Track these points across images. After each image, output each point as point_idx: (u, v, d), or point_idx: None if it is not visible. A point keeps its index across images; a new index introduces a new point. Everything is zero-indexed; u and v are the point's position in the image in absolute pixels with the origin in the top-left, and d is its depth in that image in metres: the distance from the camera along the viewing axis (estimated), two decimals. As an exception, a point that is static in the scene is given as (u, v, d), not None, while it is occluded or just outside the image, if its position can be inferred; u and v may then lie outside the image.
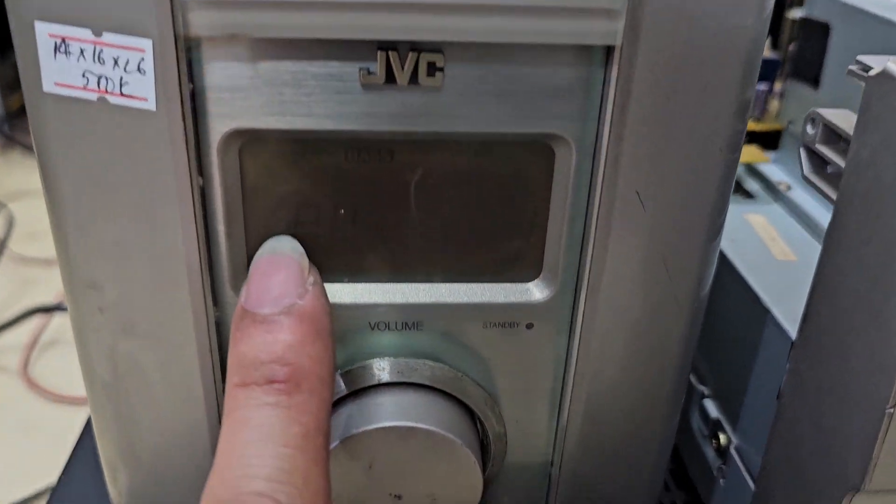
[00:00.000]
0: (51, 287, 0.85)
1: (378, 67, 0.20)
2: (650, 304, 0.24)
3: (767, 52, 0.41)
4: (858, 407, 0.22)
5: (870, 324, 0.21)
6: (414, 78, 0.20)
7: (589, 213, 0.22)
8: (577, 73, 0.20)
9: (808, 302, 0.24)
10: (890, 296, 0.20)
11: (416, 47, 0.20)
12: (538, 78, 0.20)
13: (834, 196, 0.23)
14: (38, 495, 0.65)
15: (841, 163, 0.23)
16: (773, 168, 0.37)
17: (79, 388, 0.74)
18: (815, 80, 0.36)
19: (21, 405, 0.74)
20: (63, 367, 0.78)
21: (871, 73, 0.21)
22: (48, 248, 0.94)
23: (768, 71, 0.40)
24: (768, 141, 0.39)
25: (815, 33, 0.35)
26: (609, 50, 0.20)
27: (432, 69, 0.20)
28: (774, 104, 0.41)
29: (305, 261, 0.21)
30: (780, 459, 0.26)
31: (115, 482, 0.27)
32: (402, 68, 0.20)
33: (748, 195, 0.37)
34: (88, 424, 0.39)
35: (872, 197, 0.21)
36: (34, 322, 0.82)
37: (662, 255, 0.23)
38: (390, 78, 0.20)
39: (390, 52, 0.20)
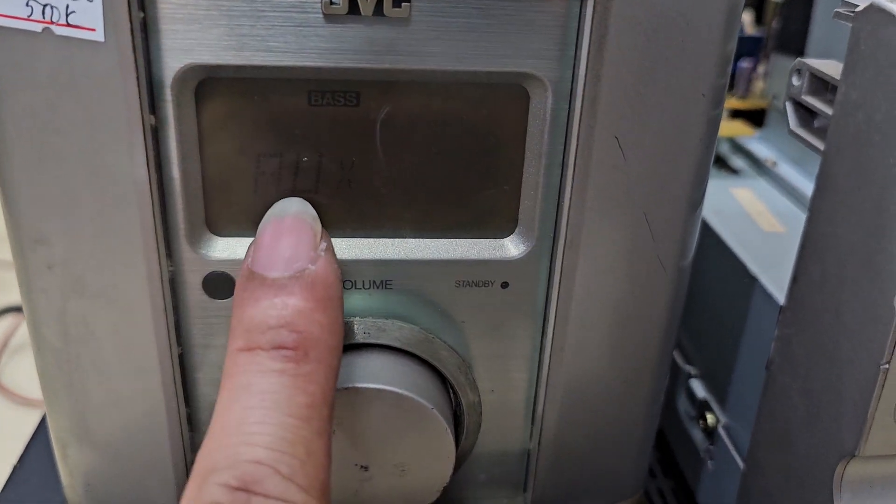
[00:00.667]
0: (24, 290, 0.83)
1: (341, -4, 0.19)
2: (633, 264, 0.22)
3: (751, 30, 0.40)
4: (851, 366, 0.21)
5: (863, 274, 0.20)
6: (379, 8, 0.19)
7: (566, 161, 0.21)
8: (553, 7, 0.19)
9: (797, 263, 0.23)
10: (884, 241, 0.19)
11: (382, -25, 0.19)
12: (512, 10, 0.19)
13: (822, 147, 0.22)
14: None
15: (829, 111, 0.22)
16: (758, 145, 0.36)
17: (50, 393, 0.72)
18: (799, 52, 0.35)
19: (-10, 409, 0.71)
20: (34, 370, 0.76)
21: (860, 7, 0.20)
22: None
23: (753, 47, 0.39)
24: (753, 119, 0.39)
25: (799, 4, 0.34)
26: (586, -20, 0.19)
27: (399, -1, 0.19)
28: (759, 84, 0.40)
29: (318, 225, 0.20)
30: (770, 433, 0.25)
31: (66, 460, 0.25)
32: (367, -2, 0.19)
33: (734, 171, 0.36)
34: (39, 425, 0.38)
35: (862, 140, 0.20)
36: (5, 323, 0.80)
37: (644, 210, 0.22)
38: (354, 7, 0.19)
39: (354, -20, 0.19)
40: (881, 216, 0.19)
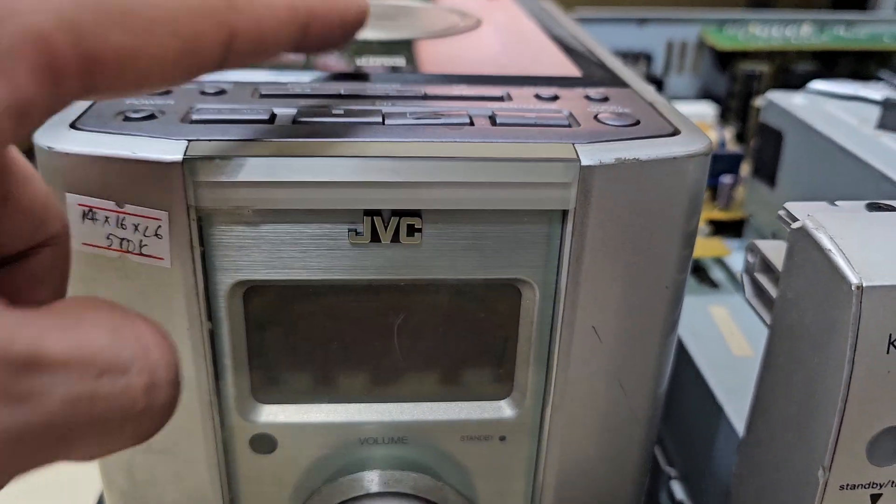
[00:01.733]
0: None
1: (364, 229, 0.23)
2: (609, 419, 0.27)
3: (733, 146, 0.44)
4: (791, 515, 0.25)
5: (797, 442, 0.24)
6: (396, 237, 0.23)
7: (552, 344, 0.25)
8: (538, 230, 0.23)
9: (750, 413, 0.27)
10: (813, 424, 0.23)
11: (398, 213, 0.23)
12: (504, 234, 0.23)
13: (770, 321, 0.26)
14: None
15: (774, 293, 0.26)
16: (736, 261, 0.40)
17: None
18: (771, 180, 0.39)
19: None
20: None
21: (794, 225, 0.24)
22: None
23: (733, 165, 0.43)
24: (734, 229, 0.43)
25: (771, 138, 0.38)
26: (564, 212, 0.23)
27: (412, 230, 0.23)
28: (741, 190, 0.44)
29: None
30: (731, 550, 0.29)
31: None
32: (386, 230, 0.23)
33: (713, 284, 0.40)
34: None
35: (796, 334, 0.24)
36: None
37: (618, 378, 0.26)
38: (375, 238, 0.23)
39: (375, 217, 0.23)
40: (811, 401, 0.23)
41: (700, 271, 0.41)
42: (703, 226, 0.41)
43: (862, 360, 0.21)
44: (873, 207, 0.25)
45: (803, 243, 0.23)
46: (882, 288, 0.21)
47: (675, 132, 0.24)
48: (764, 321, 0.27)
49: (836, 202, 0.25)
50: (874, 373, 0.22)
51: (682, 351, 0.35)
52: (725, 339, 0.35)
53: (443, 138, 0.23)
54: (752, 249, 0.27)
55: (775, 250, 0.26)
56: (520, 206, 0.23)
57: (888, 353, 0.21)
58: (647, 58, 0.53)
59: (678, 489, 0.35)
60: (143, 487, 0.27)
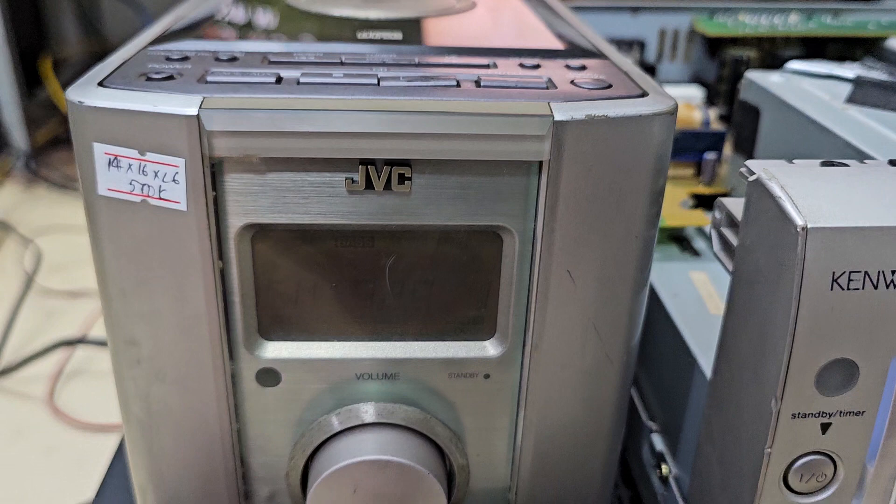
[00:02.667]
0: (75, 318, 0.91)
1: (360, 178, 0.25)
2: (585, 360, 0.29)
3: (716, 125, 0.46)
4: (747, 447, 0.27)
5: (753, 380, 0.26)
6: (388, 185, 0.25)
7: (531, 287, 0.27)
8: (517, 181, 0.26)
9: (715, 358, 0.29)
10: (766, 360, 0.25)
11: (390, 162, 0.25)
12: (487, 184, 0.26)
13: (731, 269, 0.28)
14: (62, 515, 0.70)
15: (736, 243, 0.28)
16: (716, 230, 0.42)
17: (100, 416, 0.79)
18: (750, 154, 0.41)
19: (46, 431, 0.79)
20: (85, 396, 0.84)
21: (751, 178, 0.26)
22: (73, 280, 1.00)
23: (717, 142, 0.45)
24: (717, 203, 0.45)
25: (749, 115, 0.41)
26: (540, 164, 0.25)
27: (402, 179, 0.25)
28: (725, 167, 0.47)
29: None
30: (698, 489, 0.31)
31: (145, 501, 0.32)
32: (379, 178, 0.25)
33: (696, 253, 0.42)
34: (117, 453, 0.45)
35: (753, 279, 0.26)
36: (60, 353, 0.88)
37: (592, 321, 0.28)
38: (369, 185, 0.25)
39: (369, 166, 0.25)
40: (763, 339, 0.26)
41: (683, 241, 0.43)
42: (687, 199, 0.44)
43: (808, 296, 0.24)
44: (826, 164, 0.27)
45: (758, 194, 0.26)
46: (825, 229, 0.23)
47: (644, 94, 0.27)
48: (728, 271, 0.29)
49: (794, 161, 0.27)
50: (819, 308, 0.24)
51: (661, 310, 0.37)
52: (703, 299, 0.37)
53: (431, 97, 0.25)
54: (719, 206, 0.30)
55: (738, 206, 0.29)
56: (500, 157, 0.25)
57: (832, 289, 0.24)
58: (641, 45, 0.56)
59: (658, 441, 0.37)
60: (158, 417, 0.29)
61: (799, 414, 0.25)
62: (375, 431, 0.28)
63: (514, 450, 0.31)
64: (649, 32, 0.56)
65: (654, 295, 0.38)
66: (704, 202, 0.44)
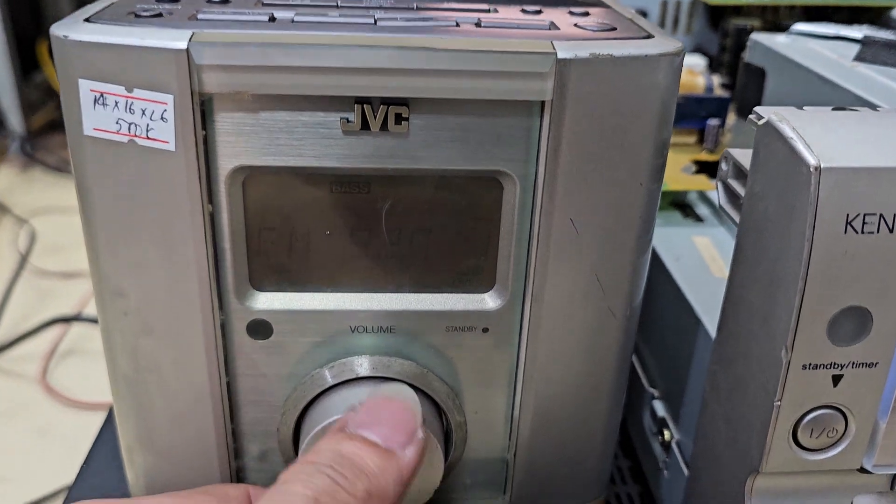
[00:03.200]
0: (69, 299, 0.90)
1: (355, 117, 0.24)
2: (587, 314, 0.28)
3: (720, 91, 0.45)
4: (756, 401, 0.26)
5: (762, 330, 0.25)
6: (384, 126, 0.25)
7: (531, 236, 0.26)
8: (519, 122, 0.25)
9: (722, 311, 0.28)
10: (776, 308, 0.25)
11: (386, 101, 0.24)
12: (487, 126, 0.25)
13: (739, 220, 0.27)
14: (53, 495, 0.69)
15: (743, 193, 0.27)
16: (720, 195, 0.42)
17: (93, 395, 0.79)
18: (756, 118, 0.40)
19: (39, 409, 0.78)
20: (78, 375, 0.83)
21: (760, 122, 0.25)
22: (67, 261, 0.99)
23: (720, 108, 0.44)
24: (721, 170, 0.44)
25: (754, 77, 0.40)
26: (542, 104, 0.25)
27: (399, 119, 0.24)
28: (728, 136, 0.46)
29: (419, 411, 0.26)
30: (704, 449, 0.30)
31: (133, 464, 0.31)
32: (375, 118, 0.24)
33: (699, 219, 0.41)
34: (103, 427, 0.44)
35: (762, 226, 0.25)
36: (53, 332, 0.87)
37: (595, 271, 0.27)
38: (365, 126, 0.25)
39: (365, 105, 0.24)
40: (773, 287, 0.25)
41: (686, 207, 0.42)
42: (689, 164, 0.43)
43: (820, 239, 0.23)
44: (838, 109, 0.26)
45: (768, 137, 0.25)
46: (839, 169, 0.23)
47: (649, 36, 0.26)
48: (734, 223, 0.28)
49: (804, 108, 0.27)
50: (832, 252, 0.23)
51: (663, 273, 0.36)
52: (706, 262, 0.37)
53: (430, 35, 0.24)
54: (726, 157, 0.29)
55: (746, 156, 0.28)
56: (501, 96, 0.24)
57: (845, 232, 0.23)
58: (643, 15, 0.55)
59: (660, 407, 0.37)
60: (145, 373, 0.28)
61: (810, 365, 0.25)
62: (370, 385, 0.28)
63: (513, 407, 0.30)
64: (651, 3, 0.55)
65: (656, 258, 0.37)
66: (707, 169, 0.43)
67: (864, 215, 0.23)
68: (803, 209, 0.23)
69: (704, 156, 0.44)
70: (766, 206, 0.25)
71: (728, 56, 0.51)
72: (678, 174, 0.42)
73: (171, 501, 0.27)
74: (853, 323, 0.24)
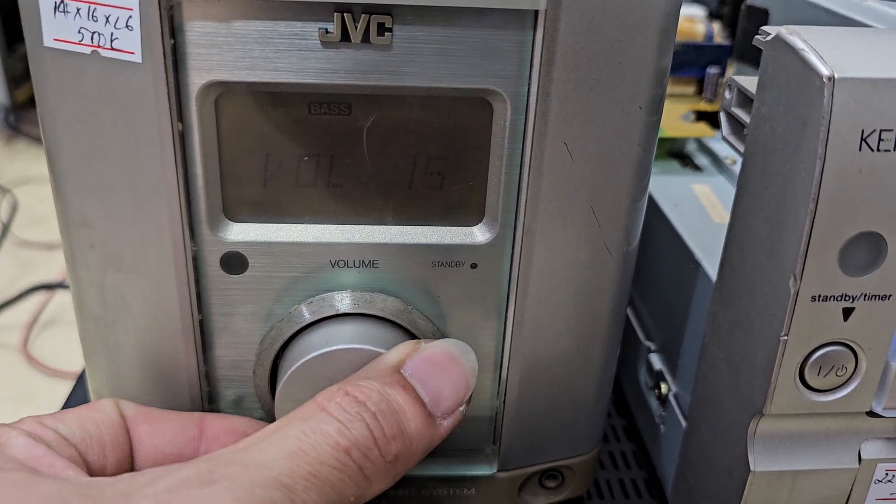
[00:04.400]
0: (51, 269, 0.88)
1: (335, 27, 0.23)
2: (582, 250, 0.26)
3: (720, 39, 0.44)
4: (761, 338, 0.25)
5: (768, 261, 0.24)
6: (366, 37, 0.23)
7: (523, 163, 0.25)
8: (510, 36, 0.23)
9: (724, 250, 0.27)
10: (784, 235, 0.23)
11: (368, 10, 0.23)
12: (476, 39, 0.23)
13: (743, 149, 0.26)
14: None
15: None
16: (720, 145, 0.40)
17: (75, 364, 0.77)
18: (757, 62, 0.38)
19: (20, 378, 0.77)
20: (61, 345, 0.81)
21: (768, 38, 0.24)
22: (50, 232, 0.97)
23: (720, 56, 0.43)
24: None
25: (757, 18, 0.38)
26: (536, 14, 0.23)
27: (382, 29, 0.23)
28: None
29: (472, 388, 0.25)
30: (703, 396, 0.29)
31: (103, 411, 0.29)
32: (356, 28, 0.23)
33: (697, 168, 0.40)
34: (74, 388, 0.42)
35: (769, 147, 0.24)
36: (35, 301, 0.85)
37: (590, 203, 0.26)
38: (345, 37, 0.23)
39: (345, 14, 0.23)
40: (782, 212, 0.23)
41: (685, 157, 0.41)
42: (688, 112, 0.41)
43: (833, 157, 0.21)
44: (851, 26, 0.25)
45: (777, 52, 0.23)
46: (854, 80, 0.21)
47: (651, -53, 0.24)
48: (739, 153, 0.26)
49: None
50: (846, 171, 0.22)
51: (662, 219, 0.35)
52: (706, 209, 0.35)
53: (416, -60, 0.23)
54: (731, 85, 0.27)
55: (752, 83, 0.26)
56: (491, 3, 0.23)
57: (860, 150, 0.21)
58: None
59: (656, 360, 0.35)
60: (113, 311, 0.27)
61: (819, 297, 0.23)
62: (351, 322, 0.26)
63: (502, 351, 0.28)
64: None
65: (653, 204, 0.36)
66: (706, 118, 0.41)
67: (881, 131, 0.21)
68: (815, 125, 0.21)
69: (704, 105, 0.42)
70: (773, 126, 0.23)
71: (728, 9, 0.49)
72: (677, 122, 0.40)
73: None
74: (866, 251, 0.23)
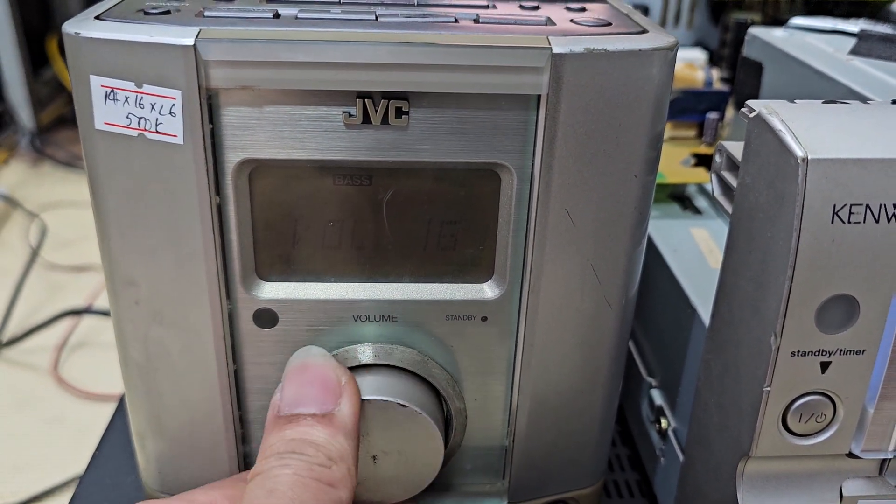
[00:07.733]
0: (79, 292, 0.91)
1: (357, 111, 0.25)
2: (583, 304, 0.29)
3: (719, 85, 0.46)
4: (747, 387, 0.27)
5: (752, 318, 0.26)
6: (385, 119, 0.25)
7: (528, 227, 0.27)
8: (516, 116, 0.26)
9: (715, 302, 0.29)
10: (766, 295, 0.25)
11: (387, 95, 0.25)
12: (485, 119, 0.26)
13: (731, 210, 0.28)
14: (64, 484, 0.70)
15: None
16: (718, 188, 0.42)
17: (103, 386, 0.80)
18: (753, 112, 0.41)
19: (50, 400, 0.80)
20: (89, 367, 0.84)
21: (751, 115, 0.26)
22: (77, 255, 1.01)
23: (720, 101, 0.45)
24: (719, 164, 0.44)
25: (752, 71, 0.40)
26: (538, 98, 0.25)
27: (400, 112, 0.25)
28: (727, 130, 0.46)
29: (339, 368, 0.27)
30: (697, 435, 0.31)
31: (144, 450, 0.32)
32: (376, 112, 0.25)
33: (697, 211, 0.42)
34: (114, 416, 0.45)
35: (752, 214, 0.26)
36: (64, 325, 0.88)
37: (591, 262, 0.28)
38: (367, 119, 0.25)
39: (366, 100, 0.25)
40: (764, 275, 0.25)
41: (684, 200, 0.43)
42: (688, 157, 0.43)
43: (808, 228, 0.24)
44: (828, 102, 0.27)
45: (758, 129, 0.25)
46: (825, 160, 0.23)
47: (643, 31, 0.26)
48: (727, 213, 0.29)
49: (796, 101, 0.27)
50: (820, 241, 0.24)
51: (661, 263, 0.37)
52: (704, 254, 0.37)
53: (430, 31, 0.25)
54: (720, 150, 0.29)
55: (739, 148, 0.29)
56: (498, 90, 0.25)
57: (832, 222, 0.24)
58: (645, 10, 0.55)
59: (657, 396, 0.37)
60: (155, 360, 0.29)
61: (798, 352, 0.25)
62: (373, 373, 0.28)
63: (511, 395, 0.30)
64: (654, -2, 0.56)
65: (653, 249, 0.38)
66: (706, 162, 0.44)
67: (851, 205, 0.24)
68: (792, 199, 0.24)
69: (703, 149, 0.44)
70: (756, 196, 0.26)
71: (728, 50, 0.52)
72: (677, 167, 0.42)
73: None
74: (841, 311, 0.25)
